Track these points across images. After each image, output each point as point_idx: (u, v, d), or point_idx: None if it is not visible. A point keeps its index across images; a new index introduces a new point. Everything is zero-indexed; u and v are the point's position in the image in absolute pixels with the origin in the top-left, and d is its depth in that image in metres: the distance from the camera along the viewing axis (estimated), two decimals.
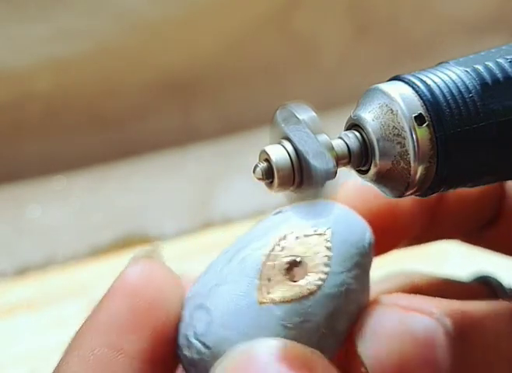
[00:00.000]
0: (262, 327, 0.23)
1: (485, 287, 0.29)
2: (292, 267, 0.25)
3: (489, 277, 0.30)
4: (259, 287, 0.24)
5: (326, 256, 0.25)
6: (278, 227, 0.26)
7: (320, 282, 0.24)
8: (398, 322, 0.23)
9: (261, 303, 0.24)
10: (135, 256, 0.25)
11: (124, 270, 0.25)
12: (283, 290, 0.24)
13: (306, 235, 0.25)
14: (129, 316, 0.24)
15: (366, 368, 0.23)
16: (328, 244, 0.25)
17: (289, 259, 0.25)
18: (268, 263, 0.24)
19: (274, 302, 0.24)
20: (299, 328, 0.23)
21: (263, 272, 0.24)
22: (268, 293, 0.24)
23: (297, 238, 0.25)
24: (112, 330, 0.23)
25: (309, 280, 0.24)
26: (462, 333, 0.23)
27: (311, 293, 0.24)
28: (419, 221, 0.28)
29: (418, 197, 0.23)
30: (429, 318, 0.23)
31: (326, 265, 0.24)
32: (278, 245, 0.25)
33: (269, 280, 0.24)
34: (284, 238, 0.25)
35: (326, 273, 0.24)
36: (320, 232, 0.25)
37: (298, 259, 0.25)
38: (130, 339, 0.23)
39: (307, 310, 0.24)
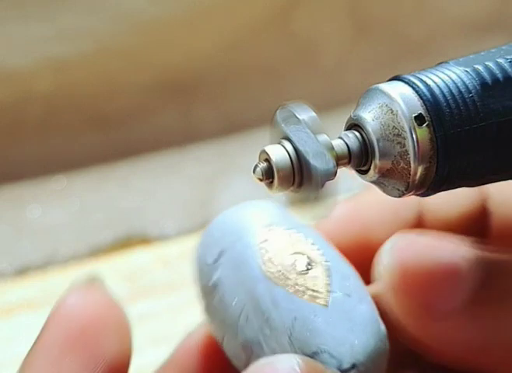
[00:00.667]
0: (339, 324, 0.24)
1: None
2: (296, 265, 0.25)
3: None
4: (307, 295, 0.25)
5: (312, 243, 0.26)
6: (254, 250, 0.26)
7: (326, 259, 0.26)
8: (424, 245, 0.25)
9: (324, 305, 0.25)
10: (74, 283, 0.26)
11: (60, 299, 0.25)
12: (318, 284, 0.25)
13: (292, 237, 0.26)
14: (64, 344, 0.24)
15: (390, 283, 0.24)
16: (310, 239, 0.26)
17: (292, 260, 0.25)
18: (284, 282, 0.25)
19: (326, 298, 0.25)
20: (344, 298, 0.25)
21: (289, 285, 0.25)
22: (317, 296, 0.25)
23: (289, 236, 0.26)
24: (50, 356, 0.24)
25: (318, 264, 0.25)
26: (488, 260, 0.24)
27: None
28: None
29: (419, 197, 0.23)
30: (455, 245, 0.25)
31: (316, 249, 0.26)
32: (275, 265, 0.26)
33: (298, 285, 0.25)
34: (273, 255, 0.26)
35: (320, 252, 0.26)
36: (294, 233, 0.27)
37: (300, 256, 0.26)
38: (66, 365, 0.24)
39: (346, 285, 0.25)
